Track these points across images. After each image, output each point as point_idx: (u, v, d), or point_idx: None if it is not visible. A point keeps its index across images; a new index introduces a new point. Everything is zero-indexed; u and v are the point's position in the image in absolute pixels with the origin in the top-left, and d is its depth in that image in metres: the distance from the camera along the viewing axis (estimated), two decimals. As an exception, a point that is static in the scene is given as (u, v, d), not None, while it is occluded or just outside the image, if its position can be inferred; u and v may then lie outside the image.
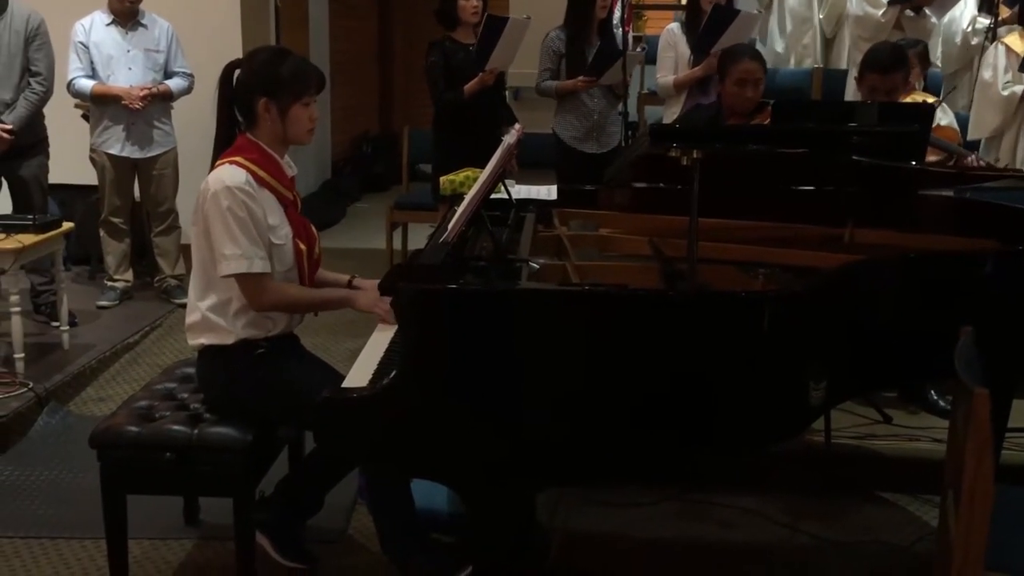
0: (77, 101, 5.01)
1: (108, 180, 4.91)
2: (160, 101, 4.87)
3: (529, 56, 4.86)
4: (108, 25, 4.79)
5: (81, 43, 4.76)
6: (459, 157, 4.16)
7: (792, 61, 6.48)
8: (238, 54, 2.72)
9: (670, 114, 4.84)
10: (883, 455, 3.34)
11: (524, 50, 4.77)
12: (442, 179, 4.02)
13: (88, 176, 5.07)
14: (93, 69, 4.77)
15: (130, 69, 4.80)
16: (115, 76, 4.78)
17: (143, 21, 4.85)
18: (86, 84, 4.74)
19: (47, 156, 4.59)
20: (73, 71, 4.75)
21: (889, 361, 2.47)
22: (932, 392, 3.67)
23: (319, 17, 7.39)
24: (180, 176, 5.05)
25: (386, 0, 9.05)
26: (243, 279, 2.47)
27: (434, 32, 4.94)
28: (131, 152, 4.87)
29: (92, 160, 4.93)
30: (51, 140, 4.61)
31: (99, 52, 4.77)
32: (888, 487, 3.25)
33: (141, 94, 4.74)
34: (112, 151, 4.85)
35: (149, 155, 4.92)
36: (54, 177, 4.69)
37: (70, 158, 4.93)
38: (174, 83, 4.89)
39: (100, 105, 4.81)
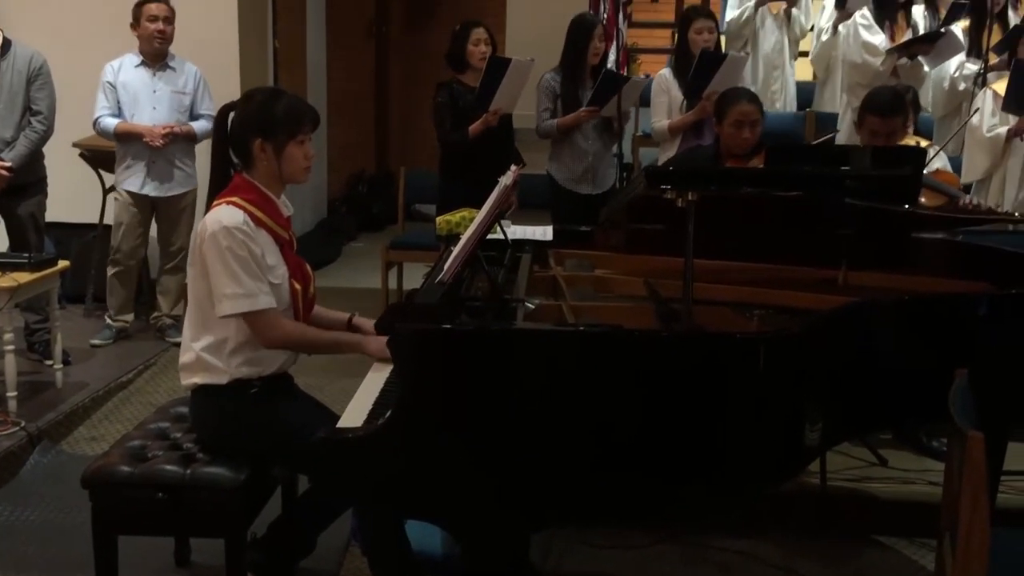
0: (75, 139, 5.04)
1: (126, 219, 4.91)
2: (183, 141, 4.90)
3: (523, 98, 4.88)
4: (137, 66, 4.86)
5: (109, 83, 4.82)
6: (463, 200, 4.13)
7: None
8: (236, 94, 2.75)
9: (665, 157, 4.86)
10: (878, 498, 3.33)
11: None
12: (438, 219, 4.00)
13: (84, 214, 5.05)
14: (120, 109, 4.83)
15: (155, 108, 4.84)
16: (139, 115, 4.82)
17: (171, 64, 4.91)
18: (111, 122, 4.79)
19: (45, 195, 4.59)
20: (100, 109, 4.81)
21: (884, 403, 2.48)
22: (924, 435, 3.66)
23: (316, 57, 7.45)
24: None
25: (383, 41, 9.13)
26: (251, 317, 2.47)
27: (431, 73, 4.97)
28: (151, 190, 4.88)
29: (115, 199, 4.95)
30: (48, 178, 4.62)
31: (125, 91, 4.83)
32: (884, 530, 3.23)
33: (163, 132, 4.78)
34: (132, 188, 4.86)
35: (169, 194, 4.93)
36: (50, 215, 4.69)
37: (66, 196, 4.94)
38: (199, 125, 4.92)
39: (124, 143, 4.84)
